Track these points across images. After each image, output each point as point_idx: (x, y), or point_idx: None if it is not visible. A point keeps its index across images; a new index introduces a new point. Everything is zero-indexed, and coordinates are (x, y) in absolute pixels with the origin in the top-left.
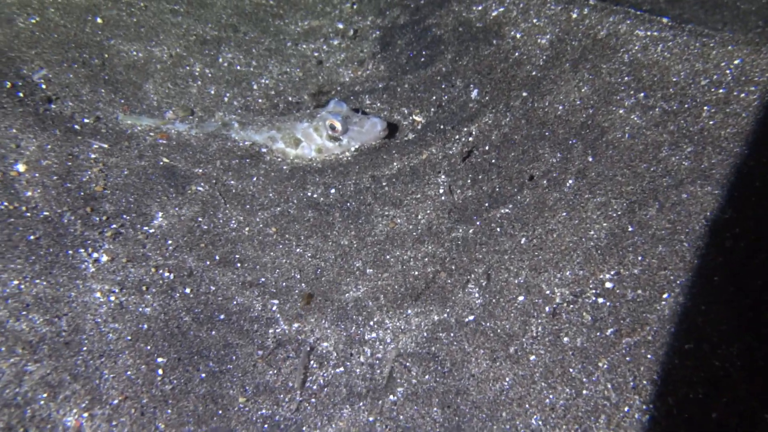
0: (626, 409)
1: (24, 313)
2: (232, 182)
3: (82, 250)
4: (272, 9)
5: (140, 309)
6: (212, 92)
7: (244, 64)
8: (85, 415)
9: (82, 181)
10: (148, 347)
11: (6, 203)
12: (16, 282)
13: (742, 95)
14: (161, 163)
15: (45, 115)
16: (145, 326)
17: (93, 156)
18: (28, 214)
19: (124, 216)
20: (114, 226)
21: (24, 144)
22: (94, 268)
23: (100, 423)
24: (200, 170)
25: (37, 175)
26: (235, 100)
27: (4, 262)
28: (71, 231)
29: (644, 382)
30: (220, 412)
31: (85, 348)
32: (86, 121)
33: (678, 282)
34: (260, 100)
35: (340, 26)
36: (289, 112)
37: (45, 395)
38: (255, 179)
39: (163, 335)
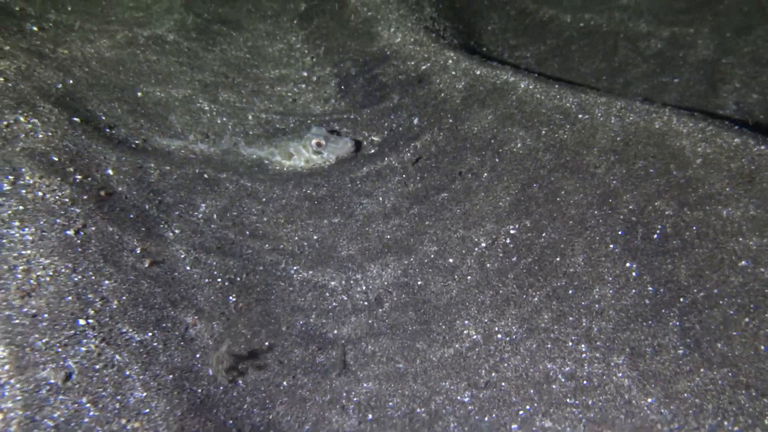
0: (524, 297)
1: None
2: (248, 183)
3: (162, 224)
4: (249, 61)
5: (210, 262)
6: (219, 122)
7: (237, 101)
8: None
9: (150, 181)
10: (220, 281)
11: (103, 193)
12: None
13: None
14: (196, 171)
15: (112, 135)
16: (217, 274)
17: (152, 165)
18: (126, 202)
19: (180, 205)
20: (176, 212)
21: (107, 157)
22: (173, 236)
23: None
24: (224, 175)
25: (121, 177)
26: (237, 127)
27: (122, 229)
28: (151, 213)
29: (533, 280)
30: (273, 322)
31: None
32: (137, 142)
33: (549, 225)
34: (256, 128)
35: (305, 74)
36: (280, 134)
37: None
38: (263, 181)
39: (226, 276)
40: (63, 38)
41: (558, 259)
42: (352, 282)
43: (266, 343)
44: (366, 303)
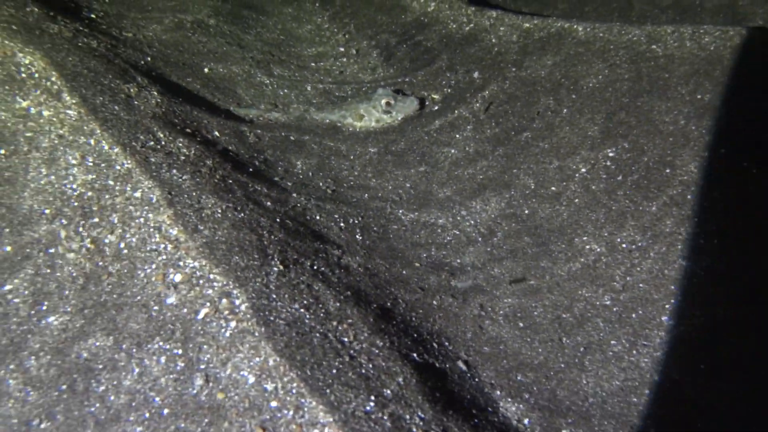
0: (640, 208)
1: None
2: (331, 143)
3: (276, 178)
4: (286, 41)
5: (328, 207)
6: (281, 93)
7: (290, 75)
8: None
9: (250, 142)
10: (343, 224)
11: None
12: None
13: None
14: (282, 134)
15: (202, 103)
16: (338, 217)
17: (246, 129)
18: (240, 158)
19: (280, 162)
20: (280, 168)
21: (209, 121)
22: (289, 187)
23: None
24: (307, 137)
25: (227, 137)
26: (299, 97)
27: (251, 179)
28: (262, 168)
29: (646, 192)
30: (400, 255)
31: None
32: (223, 110)
33: (649, 143)
34: (317, 97)
35: (341, 49)
36: (340, 101)
37: None
38: (343, 141)
39: (346, 219)
40: (119, 24)
41: (668, 170)
42: (458, 218)
43: (403, 272)
44: (478, 234)
